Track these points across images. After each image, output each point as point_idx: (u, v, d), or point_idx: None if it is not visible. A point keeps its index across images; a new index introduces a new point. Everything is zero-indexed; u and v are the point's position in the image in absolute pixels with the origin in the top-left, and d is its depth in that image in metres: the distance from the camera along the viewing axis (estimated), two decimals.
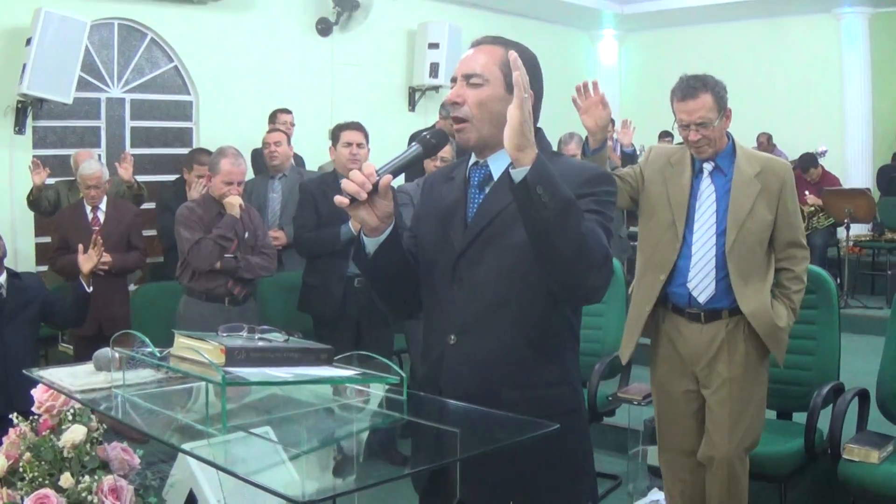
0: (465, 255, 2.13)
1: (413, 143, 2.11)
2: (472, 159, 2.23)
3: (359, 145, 5.01)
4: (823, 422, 3.82)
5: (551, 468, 2.08)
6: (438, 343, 2.18)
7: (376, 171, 1.99)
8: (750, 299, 3.45)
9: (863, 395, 4.00)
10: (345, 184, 1.97)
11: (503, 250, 2.08)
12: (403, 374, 1.86)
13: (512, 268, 2.07)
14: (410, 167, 2.11)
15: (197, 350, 1.72)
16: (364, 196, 1.98)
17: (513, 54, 1.88)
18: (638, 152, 6.29)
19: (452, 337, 2.14)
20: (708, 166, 3.53)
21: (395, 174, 2.02)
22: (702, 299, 3.50)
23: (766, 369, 3.60)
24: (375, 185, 1.98)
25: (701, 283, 3.49)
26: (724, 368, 3.49)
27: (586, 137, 3.56)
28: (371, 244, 2.12)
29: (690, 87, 3.43)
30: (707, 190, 3.53)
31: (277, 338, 1.90)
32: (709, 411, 3.54)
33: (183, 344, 1.82)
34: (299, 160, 7.62)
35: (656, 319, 3.65)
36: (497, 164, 2.15)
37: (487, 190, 2.16)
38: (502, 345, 2.10)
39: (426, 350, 2.26)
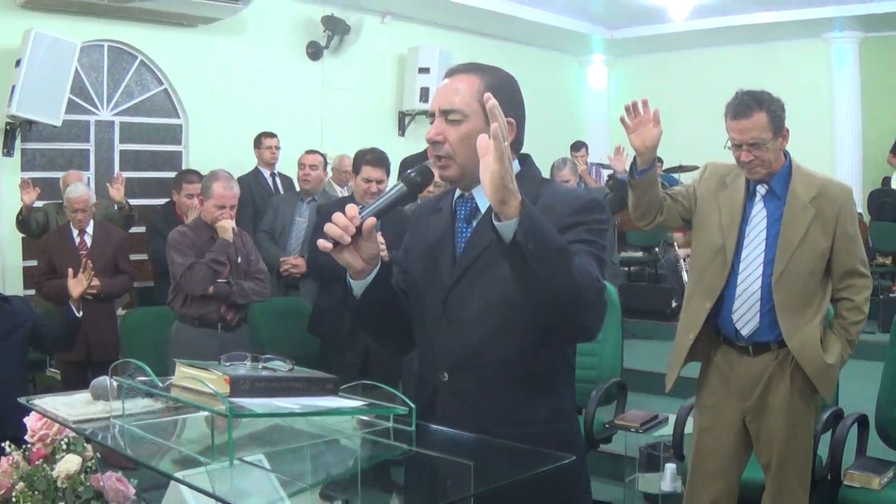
0: (454, 290, 2.10)
1: (398, 183, 2.08)
2: (458, 192, 2.19)
3: (378, 182, 4.94)
4: (822, 447, 3.79)
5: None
6: (432, 379, 2.15)
7: (360, 214, 1.96)
8: (796, 334, 3.27)
9: (861, 421, 3.97)
10: (328, 227, 1.94)
11: (493, 284, 2.04)
12: (412, 405, 1.81)
13: (502, 302, 2.03)
14: (395, 207, 2.08)
15: (200, 380, 1.67)
16: (348, 240, 1.95)
17: (491, 102, 1.73)
18: None
19: (445, 374, 2.11)
20: (761, 189, 3.35)
21: (378, 216, 1.98)
22: (745, 332, 3.34)
23: (815, 402, 3.42)
24: (359, 228, 1.95)
25: (745, 314, 3.32)
26: (772, 401, 3.33)
27: (634, 158, 3.43)
28: (358, 287, 2.08)
29: (744, 104, 3.27)
30: (758, 215, 3.35)
31: (281, 367, 1.85)
32: (756, 442, 3.42)
33: (185, 373, 1.77)
34: (288, 182, 7.59)
35: (708, 349, 3.48)
36: (482, 197, 2.10)
37: (475, 224, 2.13)
38: (495, 381, 2.07)
39: (420, 385, 2.22)
